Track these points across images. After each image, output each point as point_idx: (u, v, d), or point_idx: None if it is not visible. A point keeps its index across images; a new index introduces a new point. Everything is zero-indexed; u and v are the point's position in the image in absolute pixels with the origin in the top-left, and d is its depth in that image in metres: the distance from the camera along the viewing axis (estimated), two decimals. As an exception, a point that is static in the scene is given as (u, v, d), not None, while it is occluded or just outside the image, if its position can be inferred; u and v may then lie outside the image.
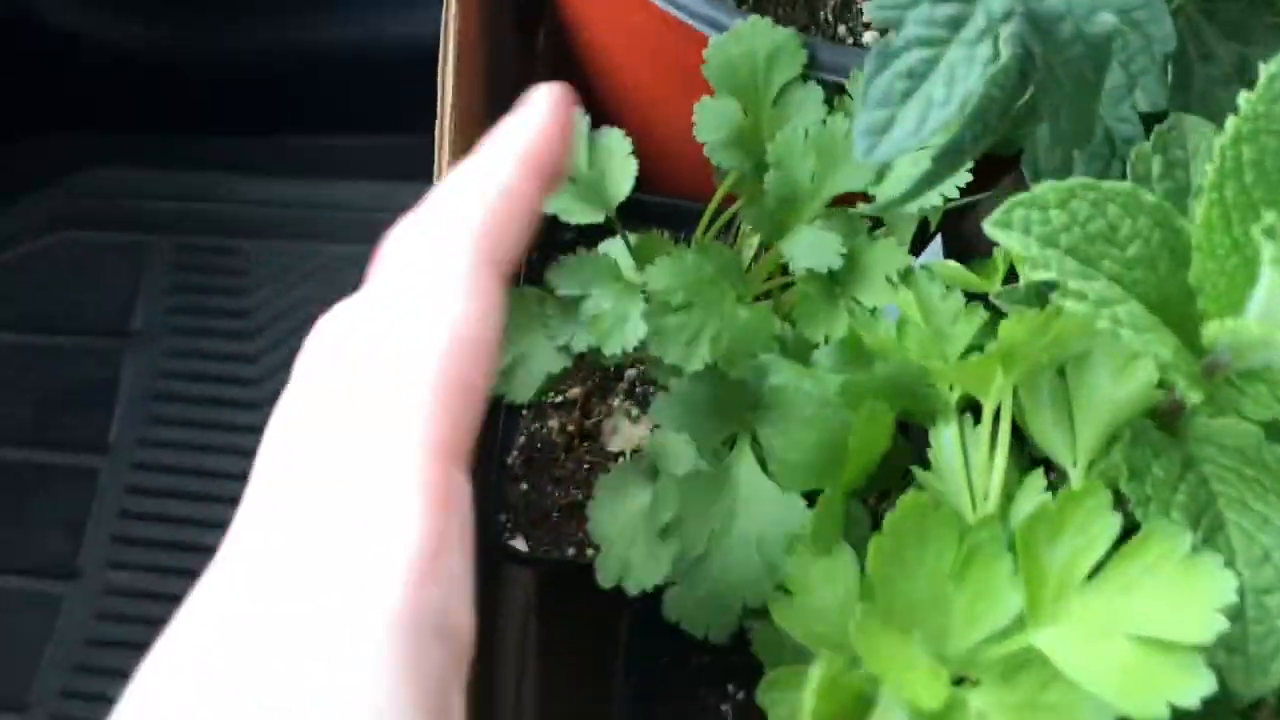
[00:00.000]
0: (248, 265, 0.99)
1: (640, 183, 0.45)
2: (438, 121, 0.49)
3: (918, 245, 0.49)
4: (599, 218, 0.43)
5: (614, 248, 0.44)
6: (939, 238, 0.52)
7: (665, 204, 0.55)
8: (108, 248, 0.99)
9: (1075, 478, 0.37)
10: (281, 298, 0.98)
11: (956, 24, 0.32)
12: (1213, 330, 0.32)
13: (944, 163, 0.33)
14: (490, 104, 0.57)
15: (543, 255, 0.54)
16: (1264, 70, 0.32)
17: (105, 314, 0.96)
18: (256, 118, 1.02)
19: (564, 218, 0.42)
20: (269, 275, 0.99)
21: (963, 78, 0.32)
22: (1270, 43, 0.47)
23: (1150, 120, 0.44)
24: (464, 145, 0.50)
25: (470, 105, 0.51)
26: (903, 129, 0.31)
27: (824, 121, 0.43)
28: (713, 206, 0.47)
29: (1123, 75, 0.43)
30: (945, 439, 0.38)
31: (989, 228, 0.32)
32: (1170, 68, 0.44)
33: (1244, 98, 0.32)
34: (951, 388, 0.38)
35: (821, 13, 0.50)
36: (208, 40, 0.98)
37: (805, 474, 0.40)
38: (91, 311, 0.96)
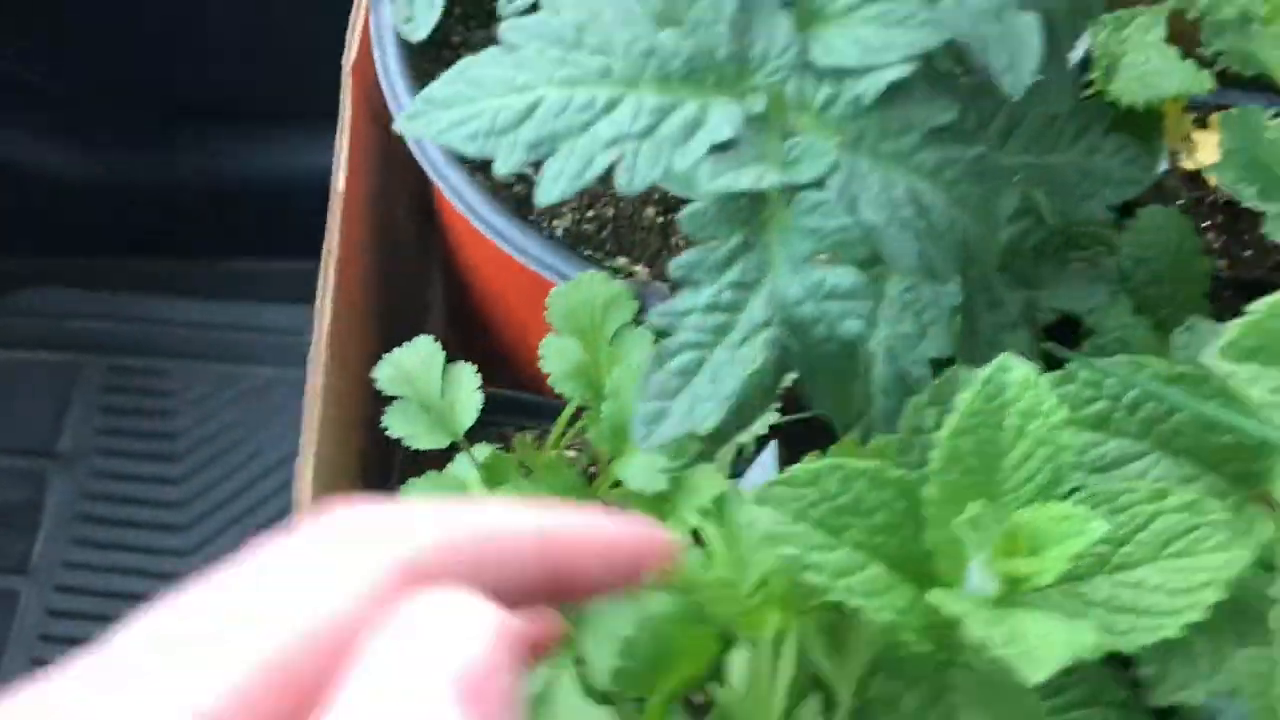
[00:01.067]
0: (176, 387, 0.99)
1: (519, 380, 0.50)
2: (322, 260, 0.53)
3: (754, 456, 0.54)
4: (444, 443, 0.48)
5: (464, 467, 0.49)
6: (773, 446, 0.57)
7: (540, 401, 0.60)
8: (39, 367, 1.00)
9: (843, 704, 0.42)
10: (209, 421, 0.98)
11: (722, 330, 0.37)
12: (936, 598, 0.37)
13: (711, 443, 0.38)
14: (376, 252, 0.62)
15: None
16: (978, 375, 0.37)
17: (33, 434, 0.97)
18: (189, 242, 1.04)
19: (409, 444, 0.47)
20: (197, 398, 0.99)
21: (725, 376, 0.37)
22: (1055, 285, 0.53)
23: (940, 364, 0.49)
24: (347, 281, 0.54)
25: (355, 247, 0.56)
26: (672, 421, 0.37)
27: (653, 361, 0.49)
28: (563, 420, 0.52)
29: (914, 324, 0.49)
30: (738, 663, 0.43)
31: (748, 509, 0.37)
32: (960, 317, 0.50)
33: (962, 397, 0.37)
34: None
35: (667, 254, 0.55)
36: (141, 167, 1.00)
37: (632, 680, 0.44)
38: (19, 431, 0.97)
